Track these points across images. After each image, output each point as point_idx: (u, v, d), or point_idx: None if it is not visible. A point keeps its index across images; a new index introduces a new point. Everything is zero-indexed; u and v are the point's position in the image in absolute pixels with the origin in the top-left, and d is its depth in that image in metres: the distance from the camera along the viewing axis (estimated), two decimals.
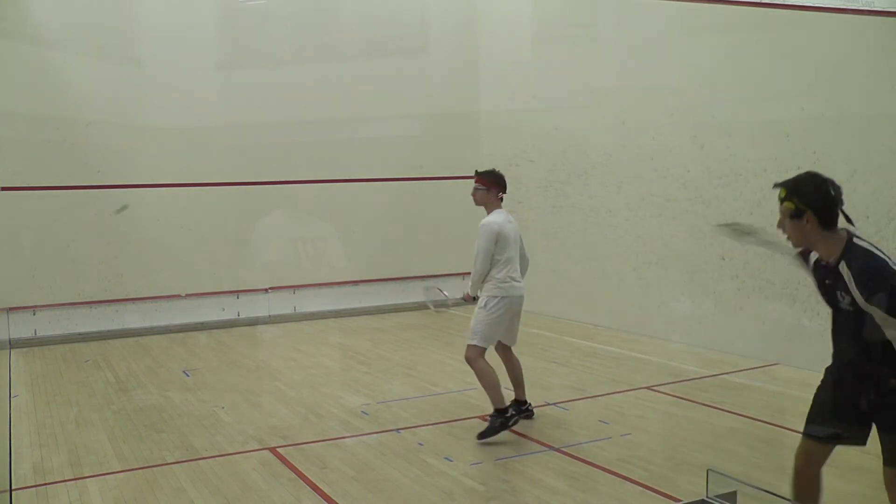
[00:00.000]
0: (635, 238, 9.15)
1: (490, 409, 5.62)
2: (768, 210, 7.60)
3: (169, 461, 5.29)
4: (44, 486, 4.90)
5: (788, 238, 3.39)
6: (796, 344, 7.48)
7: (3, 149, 9.24)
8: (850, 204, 7.22)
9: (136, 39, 10.04)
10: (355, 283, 11.18)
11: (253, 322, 10.44)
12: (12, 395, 7.13)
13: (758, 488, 4.31)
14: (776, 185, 3.37)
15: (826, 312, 7.44)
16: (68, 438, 5.82)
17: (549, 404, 6.36)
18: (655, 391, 6.82)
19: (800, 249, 3.53)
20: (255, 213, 10.47)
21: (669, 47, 8.88)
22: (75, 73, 9.59)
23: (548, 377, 7.03)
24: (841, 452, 5.18)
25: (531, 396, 6.05)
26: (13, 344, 9.16)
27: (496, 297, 5.57)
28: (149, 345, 9.28)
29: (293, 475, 4.99)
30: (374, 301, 11.24)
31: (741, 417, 5.98)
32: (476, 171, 5.83)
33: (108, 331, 9.70)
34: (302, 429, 5.95)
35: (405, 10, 11.53)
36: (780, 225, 3.38)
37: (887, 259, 3.25)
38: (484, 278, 5.61)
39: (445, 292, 6.13)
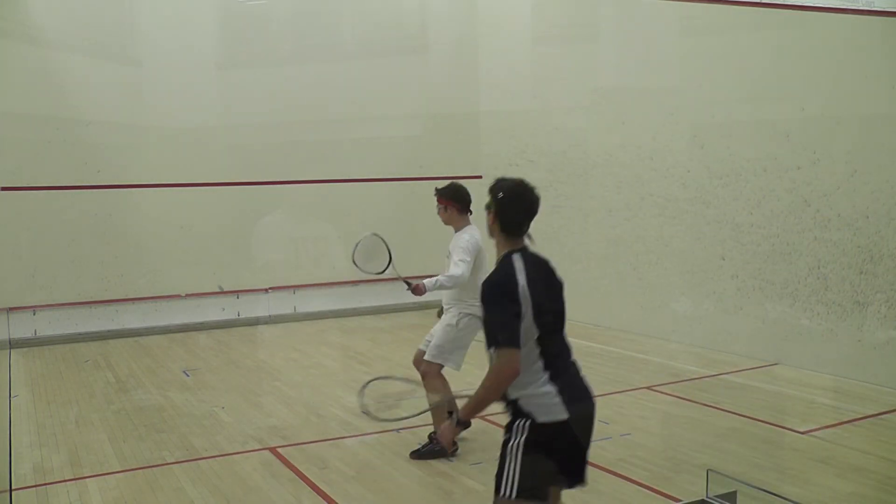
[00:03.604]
0: (635, 238, 9.16)
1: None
2: (768, 210, 7.65)
3: (169, 461, 5.29)
4: (44, 486, 4.90)
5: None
6: (796, 344, 7.49)
7: (3, 149, 9.24)
8: (850, 204, 7.21)
9: (136, 39, 10.04)
10: (355, 283, 11.17)
11: (253, 322, 10.44)
12: (12, 395, 7.13)
13: (758, 488, 4.32)
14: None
15: (825, 312, 7.45)
16: (68, 438, 5.82)
17: None
18: (655, 391, 6.82)
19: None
20: (255, 213, 10.47)
21: (669, 47, 8.88)
22: (75, 73, 9.59)
23: None
24: (841, 452, 5.19)
25: None
26: (13, 344, 9.16)
27: (469, 314, 5.19)
28: (149, 345, 9.28)
29: (293, 475, 4.99)
30: (374, 301, 11.24)
31: (741, 417, 5.98)
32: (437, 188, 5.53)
33: (108, 331, 9.70)
34: (302, 429, 5.95)
35: (405, 10, 11.53)
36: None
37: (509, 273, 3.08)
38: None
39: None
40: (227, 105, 10.37)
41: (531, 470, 3.00)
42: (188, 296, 10.16)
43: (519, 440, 3.02)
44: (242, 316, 10.48)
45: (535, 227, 3.21)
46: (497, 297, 3.05)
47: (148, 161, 10.00)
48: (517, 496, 2.98)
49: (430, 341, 5.32)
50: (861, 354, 6.91)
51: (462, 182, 5.64)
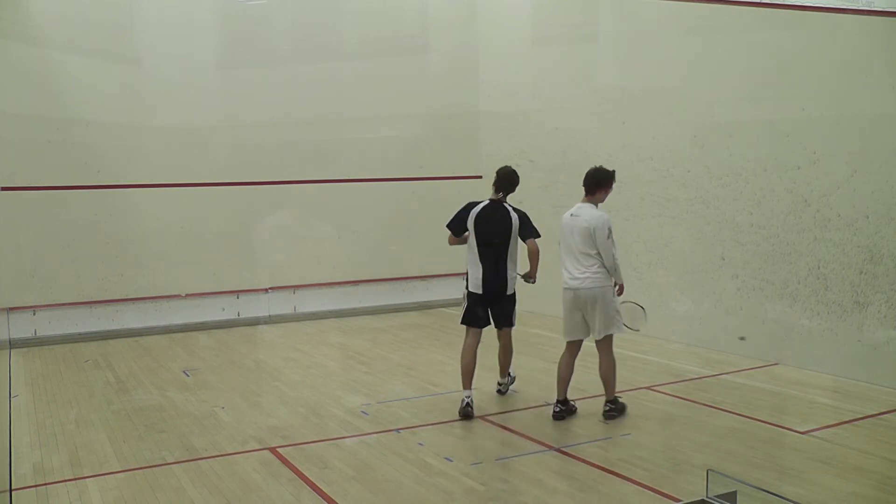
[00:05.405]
0: (635, 238, 9.15)
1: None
2: (768, 210, 7.65)
3: (169, 461, 5.29)
4: (44, 486, 4.90)
5: None
6: (796, 344, 7.49)
7: (3, 149, 9.24)
8: (850, 204, 7.24)
9: (136, 39, 10.04)
10: (355, 283, 11.18)
11: (253, 322, 10.44)
12: (12, 395, 7.13)
13: (758, 488, 4.32)
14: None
15: (825, 312, 7.47)
16: (68, 438, 5.82)
17: (549, 404, 6.36)
18: (655, 391, 6.82)
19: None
20: (255, 213, 10.47)
21: (669, 47, 8.88)
22: (75, 73, 9.59)
23: (548, 377, 7.01)
24: (841, 452, 5.19)
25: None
26: (13, 344, 9.16)
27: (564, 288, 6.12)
28: (149, 345, 9.28)
29: (293, 475, 4.99)
30: (374, 301, 11.24)
31: (741, 417, 5.98)
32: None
33: (108, 331, 9.70)
34: (302, 429, 5.95)
35: (405, 10, 11.53)
36: None
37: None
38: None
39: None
40: (227, 105, 10.37)
41: (467, 311, 6.22)
42: (188, 296, 10.16)
43: (464, 294, 6.23)
44: (242, 316, 10.48)
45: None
46: (458, 213, 6.16)
47: (148, 161, 10.00)
48: (463, 321, 6.25)
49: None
50: (861, 354, 6.91)
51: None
